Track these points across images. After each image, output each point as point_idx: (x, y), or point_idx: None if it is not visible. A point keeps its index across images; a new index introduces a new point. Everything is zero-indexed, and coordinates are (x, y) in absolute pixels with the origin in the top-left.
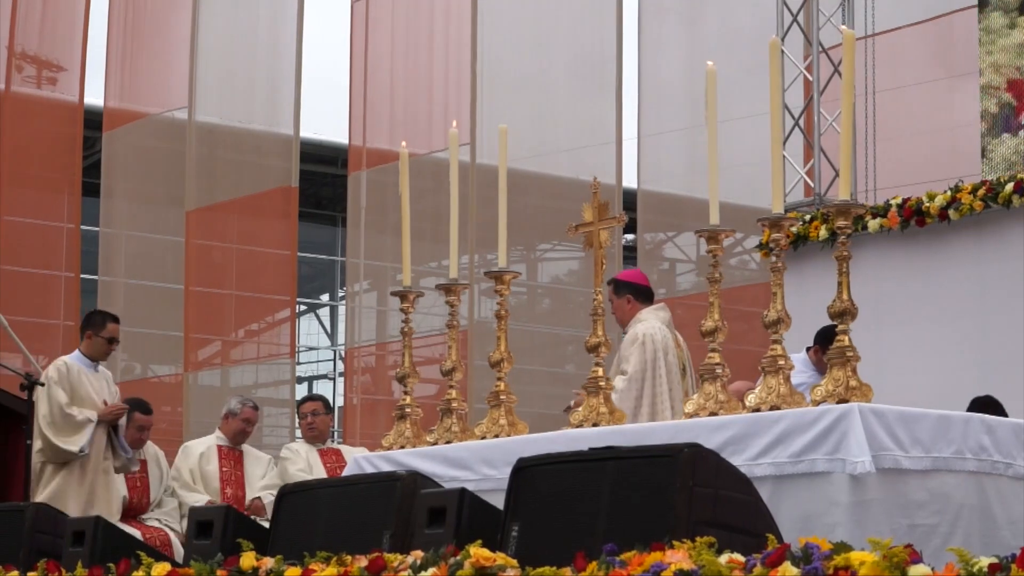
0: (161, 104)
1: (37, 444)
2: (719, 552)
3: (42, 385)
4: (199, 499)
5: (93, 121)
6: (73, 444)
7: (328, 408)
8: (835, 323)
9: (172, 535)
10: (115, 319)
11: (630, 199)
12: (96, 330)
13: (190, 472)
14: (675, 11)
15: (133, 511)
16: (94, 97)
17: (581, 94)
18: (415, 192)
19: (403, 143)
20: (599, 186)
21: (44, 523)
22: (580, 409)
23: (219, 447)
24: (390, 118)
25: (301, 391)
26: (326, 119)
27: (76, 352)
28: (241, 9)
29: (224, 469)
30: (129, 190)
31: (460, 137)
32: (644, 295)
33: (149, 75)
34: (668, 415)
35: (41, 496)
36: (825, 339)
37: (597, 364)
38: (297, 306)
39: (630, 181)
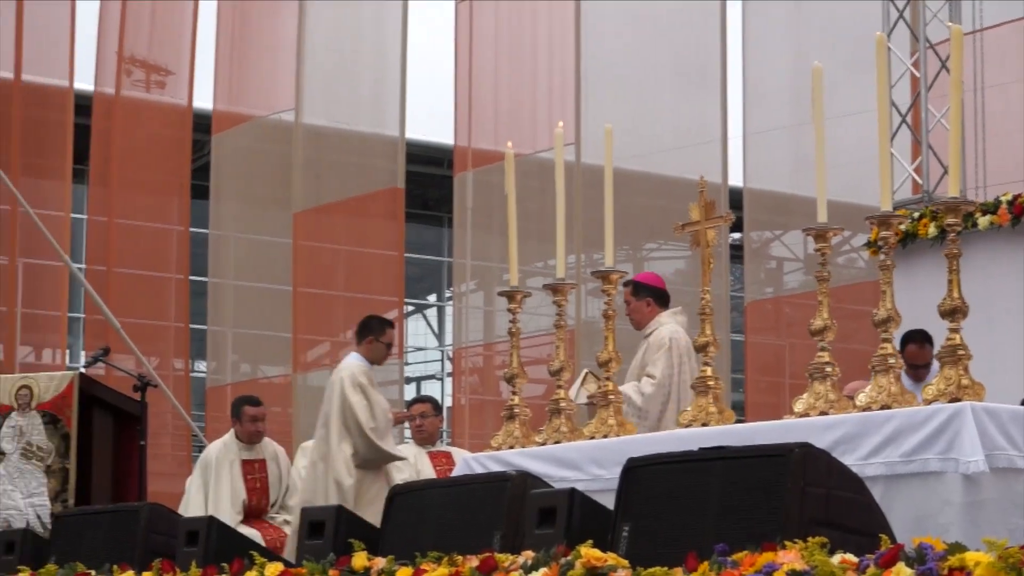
0: (268, 106)
1: (347, 451)
2: (831, 552)
3: (154, 386)
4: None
5: (201, 124)
6: (398, 451)
7: (438, 409)
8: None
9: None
10: (391, 324)
11: (736, 198)
12: (377, 335)
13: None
14: (779, 8)
15: (253, 512)
16: (202, 100)
17: (685, 92)
18: (521, 192)
19: (509, 144)
20: (706, 185)
21: (158, 523)
22: (689, 409)
23: None
24: (495, 118)
25: (409, 391)
26: (432, 120)
27: (355, 355)
28: (346, 11)
29: None
30: (237, 192)
31: (565, 137)
32: (663, 299)
33: (256, 78)
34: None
35: (370, 510)
36: (904, 342)
37: (706, 363)
38: (405, 307)
39: (736, 179)
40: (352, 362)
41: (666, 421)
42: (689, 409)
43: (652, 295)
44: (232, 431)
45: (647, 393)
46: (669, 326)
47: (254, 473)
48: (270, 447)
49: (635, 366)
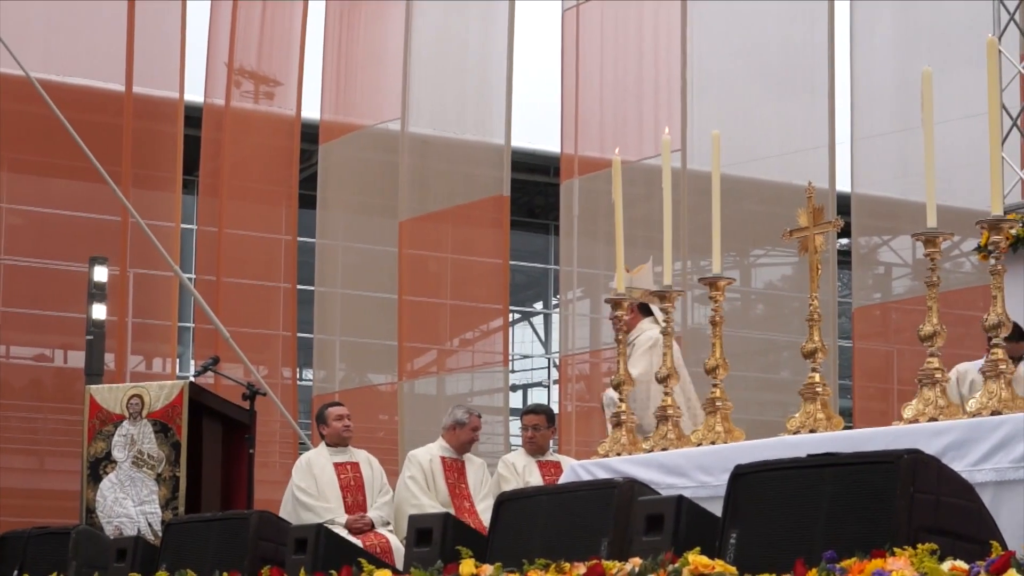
0: (375, 116)
1: None
2: (941, 559)
3: (263, 395)
4: (431, 506)
5: (309, 134)
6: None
7: (551, 422)
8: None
9: (392, 541)
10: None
11: (844, 203)
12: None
13: (423, 479)
14: (886, 11)
15: (349, 511)
16: (310, 111)
17: (792, 97)
18: (626, 199)
19: (616, 151)
20: (814, 190)
21: (268, 530)
22: (797, 415)
23: (442, 458)
24: (600, 125)
25: (515, 399)
26: (537, 128)
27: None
28: (452, 21)
29: (449, 481)
30: (344, 201)
31: (671, 143)
32: (645, 308)
33: (363, 88)
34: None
35: None
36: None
37: (814, 370)
38: (511, 314)
39: (843, 185)
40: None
41: (647, 419)
42: (798, 415)
43: (637, 304)
44: (322, 443)
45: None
46: (655, 330)
47: (347, 473)
48: (361, 452)
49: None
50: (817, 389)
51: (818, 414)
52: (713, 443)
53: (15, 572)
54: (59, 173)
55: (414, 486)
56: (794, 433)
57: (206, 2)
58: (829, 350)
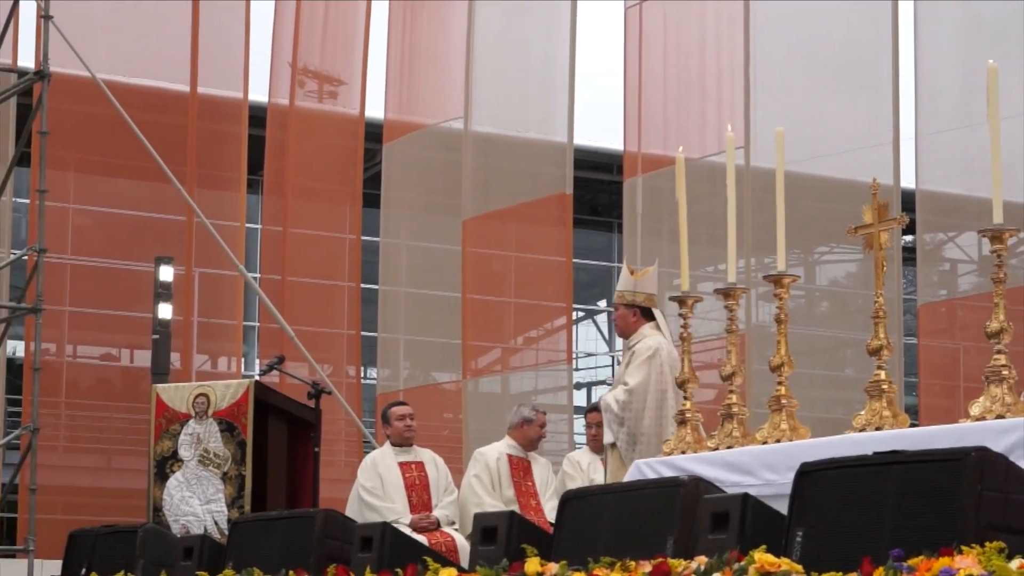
0: (438, 115)
1: None
2: (1009, 557)
3: (328, 393)
4: (494, 506)
5: (373, 133)
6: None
7: None
8: None
9: (458, 539)
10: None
11: (908, 199)
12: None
13: (489, 478)
14: (951, 8)
15: (415, 510)
16: (374, 110)
17: (855, 93)
18: (690, 197)
19: (680, 148)
20: (879, 187)
21: (333, 529)
22: (862, 413)
23: (509, 456)
24: (663, 123)
25: (579, 397)
26: (600, 125)
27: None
28: (515, 19)
29: (516, 479)
30: (408, 200)
31: (734, 140)
32: (648, 312)
33: (426, 87)
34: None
35: None
36: None
37: (879, 367)
38: (575, 312)
39: (908, 181)
40: None
41: (646, 427)
42: (863, 412)
43: (640, 308)
44: (387, 442)
45: (621, 400)
46: (655, 337)
47: (412, 473)
48: (427, 452)
49: (619, 375)
50: (883, 386)
51: (884, 411)
52: (778, 441)
53: (83, 570)
54: (125, 174)
55: (478, 485)
56: (860, 431)
57: (270, 2)
58: (894, 347)
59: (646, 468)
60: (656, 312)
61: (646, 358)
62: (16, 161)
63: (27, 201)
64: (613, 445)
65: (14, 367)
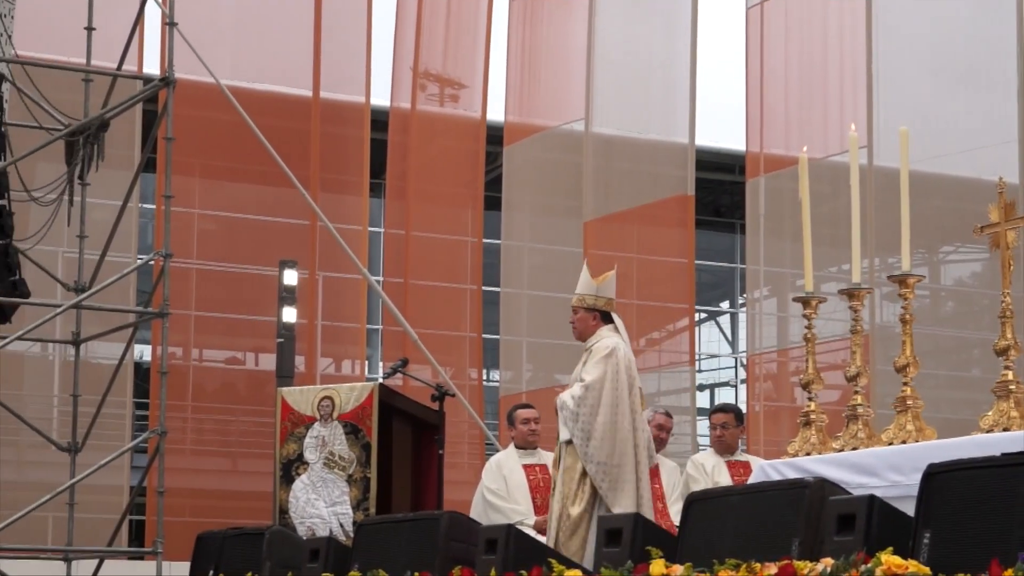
0: (559, 117)
1: None
2: None
3: (451, 396)
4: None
5: (494, 136)
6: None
7: (739, 420)
8: None
9: None
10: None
11: None
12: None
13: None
14: None
15: (539, 512)
16: (494, 113)
17: (978, 91)
18: (812, 197)
19: (804, 149)
20: (1005, 185)
21: (458, 531)
22: (990, 414)
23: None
24: (785, 123)
25: (702, 399)
26: (721, 126)
27: None
28: (636, 21)
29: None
30: (529, 202)
31: (857, 140)
32: (606, 315)
33: (547, 89)
34: (627, 426)
35: None
36: None
37: (1007, 367)
38: (697, 314)
39: None
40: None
41: (600, 423)
42: (990, 413)
43: (599, 312)
44: (511, 444)
45: (577, 396)
46: (613, 338)
47: (536, 475)
48: (546, 454)
49: (576, 374)
50: (1010, 387)
51: (1011, 412)
52: (904, 442)
53: (211, 572)
54: (249, 179)
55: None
56: (987, 431)
57: (391, 7)
58: (1022, 347)
59: (770, 470)
60: (615, 316)
61: (603, 356)
62: (143, 167)
63: (153, 207)
64: (569, 442)
65: (141, 371)
